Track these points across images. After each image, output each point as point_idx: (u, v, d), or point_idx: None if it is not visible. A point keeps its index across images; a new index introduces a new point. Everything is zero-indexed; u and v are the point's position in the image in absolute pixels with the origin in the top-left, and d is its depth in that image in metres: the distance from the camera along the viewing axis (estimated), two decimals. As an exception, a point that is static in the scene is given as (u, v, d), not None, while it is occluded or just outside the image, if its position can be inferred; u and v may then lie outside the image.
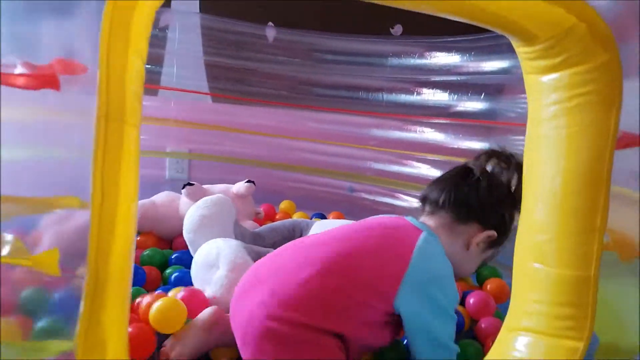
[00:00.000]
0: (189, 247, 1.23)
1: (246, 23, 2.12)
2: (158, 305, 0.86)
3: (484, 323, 1.06)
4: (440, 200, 0.89)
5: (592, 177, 0.65)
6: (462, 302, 1.18)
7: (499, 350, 0.77)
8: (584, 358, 0.69)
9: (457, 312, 1.06)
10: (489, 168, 0.90)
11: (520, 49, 0.69)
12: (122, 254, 0.55)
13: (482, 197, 0.87)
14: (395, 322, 0.82)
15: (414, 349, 0.82)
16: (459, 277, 0.89)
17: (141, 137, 2.00)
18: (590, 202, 0.66)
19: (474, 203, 0.87)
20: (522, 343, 0.73)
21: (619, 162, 0.67)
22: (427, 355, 0.80)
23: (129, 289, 0.58)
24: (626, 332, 0.79)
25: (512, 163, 0.89)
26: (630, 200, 0.79)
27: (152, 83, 2.06)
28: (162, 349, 0.85)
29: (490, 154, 0.91)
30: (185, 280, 1.13)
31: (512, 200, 0.88)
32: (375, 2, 0.67)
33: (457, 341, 0.95)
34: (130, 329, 0.80)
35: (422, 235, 0.83)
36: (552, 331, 0.70)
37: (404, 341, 0.92)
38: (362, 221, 0.92)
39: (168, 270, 1.21)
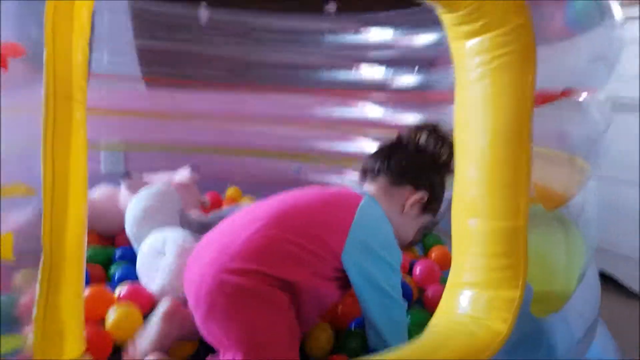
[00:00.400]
0: (132, 242, 1.19)
1: (178, 3, 2.04)
2: (114, 314, 0.88)
3: (430, 291, 1.13)
4: (377, 168, 0.98)
5: (515, 132, 0.71)
6: (410, 272, 1.24)
7: (444, 308, 0.82)
8: (520, 308, 0.75)
9: (404, 283, 1.13)
10: (419, 140, 0.99)
11: (444, 16, 0.74)
12: (76, 236, 0.54)
13: (412, 161, 0.97)
14: (344, 280, 0.87)
15: (362, 304, 0.87)
16: (400, 245, 0.95)
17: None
18: (515, 157, 0.72)
19: (406, 166, 0.96)
20: (465, 298, 0.78)
21: (539, 125, 0.73)
22: (375, 307, 0.86)
23: (83, 272, 0.57)
24: (556, 280, 0.87)
25: (438, 133, 0.98)
26: (550, 158, 0.86)
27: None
28: (123, 351, 0.84)
29: (419, 127, 1.01)
30: (130, 277, 1.10)
31: (439, 166, 0.98)
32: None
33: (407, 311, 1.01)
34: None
35: (364, 199, 0.90)
36: (491, 282, 0.76)
37: (361, 326, 0.95)
38: (306, 187, 0.98)
39: (112, 268, 1.17)
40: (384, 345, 0.84)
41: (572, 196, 0.89)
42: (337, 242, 0.83)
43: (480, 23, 0.70)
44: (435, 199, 0.97)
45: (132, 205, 1.20)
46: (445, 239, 1.44)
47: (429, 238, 1.44)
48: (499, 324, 0.73)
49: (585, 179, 0.93)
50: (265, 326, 0.76)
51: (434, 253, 1.35)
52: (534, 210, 0.76)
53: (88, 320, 0.81)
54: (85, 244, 0.58)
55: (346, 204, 0.88)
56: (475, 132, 0.74)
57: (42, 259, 0.50)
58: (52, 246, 0.51)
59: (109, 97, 1.99)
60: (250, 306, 0.76)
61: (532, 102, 0.69)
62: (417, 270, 1.22)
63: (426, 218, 0.99)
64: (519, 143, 0.71)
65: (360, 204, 0.87)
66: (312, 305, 0.86)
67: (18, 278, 0.57)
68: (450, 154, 0.91)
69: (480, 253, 0.76)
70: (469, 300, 0.78)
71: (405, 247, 1.40)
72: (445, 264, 1.25)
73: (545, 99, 0.74)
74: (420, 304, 1.14)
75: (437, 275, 1.21)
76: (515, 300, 0.74)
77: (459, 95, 0.77)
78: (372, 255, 0.85)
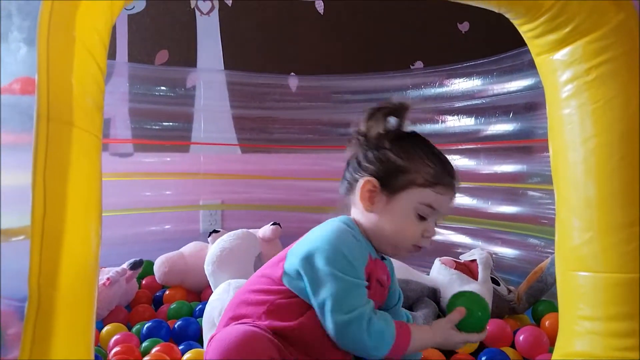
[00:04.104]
0: (210, 280, 1.20)
1: (268, 74, 2.17)
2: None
3: (541, 361, 0.93)
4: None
5: (628, 155, 0.55)
6: (513, 343, 1.05)
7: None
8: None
9: (502, 354, 0.95)
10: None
11: (523, 28, 0.62)
12: (76, 273, 0.48)
13: (353, 154, 0.81)
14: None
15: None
16: (400, 249, 0.79)
17: (173, 192, 1.99)
18: (631, 187, 0.56)
19: (348, 166, 0.82)
20: (577, 372, 0.61)
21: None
22: (331, 330, 0.71)
23: (89, 316, 0.50)
24: None
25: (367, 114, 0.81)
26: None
27: (183, 140, 2.11)
28: None
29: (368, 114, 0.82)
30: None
31: (370, 139, 0.79)
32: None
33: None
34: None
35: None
36: (610, 353, 0.58)
37: None
38: None
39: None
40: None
41: None
42: (277, 270, 0.76)
43: (567, 29, 0.57)
44: (389, 173, 0.77)
45: (214, 245, 1.24)
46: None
47: (540, 305, 1.22)
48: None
49: None
50: None
51: (548, 322, 1.13)
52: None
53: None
54: (94, 286, 0.51)
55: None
56: (576, 157, 0.59)
57: (27, 304, 0.45)
58: (39, 288, 0.45)
59: (207, 162, 2.12)
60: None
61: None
62: (521, 338, 1.02)
63: (405, 199, 0.77)
64: (634, 169, 0.55)
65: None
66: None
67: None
68: (374, 118, 0.79)
69: (595, 315, 0.59)
70: (584, 376, 0.60)
71: (509, 312, 1.21)
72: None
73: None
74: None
75: (544, 343, 1.00)
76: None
77: (551, 116, 0.63)
78: (308, 270, 0.73)
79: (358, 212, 0.80)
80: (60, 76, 0.46)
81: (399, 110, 0.80)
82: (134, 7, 2.11)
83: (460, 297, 0.77)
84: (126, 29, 2.12)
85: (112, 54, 2.08)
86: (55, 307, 0.45)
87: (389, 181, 0.76)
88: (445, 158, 0.80)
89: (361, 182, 0.77)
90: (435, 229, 0.78)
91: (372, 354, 0.72)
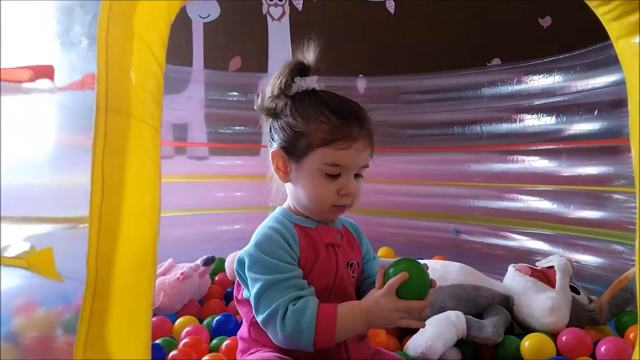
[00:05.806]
0: None
1: (337, 77, 2.18)
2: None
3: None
4: None
5: None
6: (594, 354, 0.98)
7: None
8: None
9: None
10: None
11: (600, 10, 0.57)
12: (132, 259, 0.50)
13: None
14: None
15: None
16: (320, 213, 0.77)
17: (244, 194, 2.05)
18: None
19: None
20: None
21: None
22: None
23: (147, 300, 0.52)
24: None
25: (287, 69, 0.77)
26: None
27: (254, 143, 2.17)
28: None
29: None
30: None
31: (283, 105, 0.76)
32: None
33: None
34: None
35: None
36: None
37: None
38: None
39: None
40: None
41: None
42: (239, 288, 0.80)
43: (651, 7, 0.52)
44: (291, 140, 0.75)
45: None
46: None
47: (625, 315, 1.13)
48: None
49: None
50: None
51: (632, 334, 1.06)
52: None
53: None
54: (153, 271, 0.53)
55: None
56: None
57: (85, 285, 0.48)
58: (97, 269, 0.47)
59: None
60: None
61: None
62: (602, 349, 0.94)
63: (310, 162, 0.74)
64: None
65: None
66: None
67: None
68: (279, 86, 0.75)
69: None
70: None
71: (589, 322, 1.12)
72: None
73: None
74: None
75: (629, 356, 0.92)
76: None
77: (634, 111, 0.57)
78: (243, 281, 0.76)
79: (283, 189, 0.80)
80: (119, 69, 0.49)
81: (302, 70, 0.77)
82: (209, 15, 2.22)
83: (393, 265, 0.70)
84: (202, 36, 2.23)
85: (189, 61, 2.20)
86: (111, 290, 0.48)
87: (293, 148, 0.75)
88: (348, 107, 0.76)
89: (270, 155, 0.77)
90: (356, 183, 0.76)
91: (300, 343, 0.69)
